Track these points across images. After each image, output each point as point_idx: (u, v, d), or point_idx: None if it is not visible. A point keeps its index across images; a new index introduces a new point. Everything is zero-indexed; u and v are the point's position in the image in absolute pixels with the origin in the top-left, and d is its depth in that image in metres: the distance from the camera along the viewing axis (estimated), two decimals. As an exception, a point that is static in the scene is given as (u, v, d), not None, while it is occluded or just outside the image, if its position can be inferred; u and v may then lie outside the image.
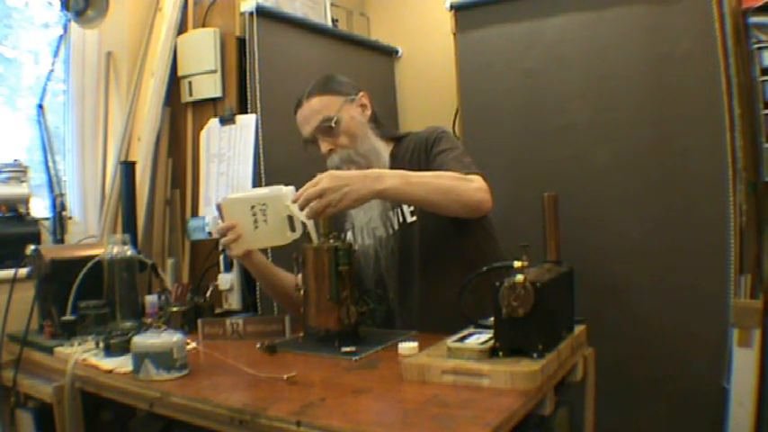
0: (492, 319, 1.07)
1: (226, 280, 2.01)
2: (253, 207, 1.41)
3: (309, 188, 1.28)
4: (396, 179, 1.31)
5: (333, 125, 1.50)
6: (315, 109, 1.52)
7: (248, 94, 2.07)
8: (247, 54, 2.09)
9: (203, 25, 2.22)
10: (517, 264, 1.07)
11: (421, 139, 1.56)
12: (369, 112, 1.58)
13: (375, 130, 1.58)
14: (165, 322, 1.48)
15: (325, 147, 1.52)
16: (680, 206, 1.97)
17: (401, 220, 1.54)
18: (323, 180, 1.27)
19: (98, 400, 1.31)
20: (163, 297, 1.70)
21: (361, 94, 1.58)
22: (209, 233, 1.90)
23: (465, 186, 1.36)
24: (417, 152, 1.54)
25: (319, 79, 1.58)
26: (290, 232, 1.40)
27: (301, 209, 1.30)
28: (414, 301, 1.53)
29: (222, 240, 1.47)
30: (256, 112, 2.06)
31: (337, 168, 1.45)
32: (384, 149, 1.57)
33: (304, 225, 1.37)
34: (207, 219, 1.94)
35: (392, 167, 1.54)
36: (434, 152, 1.50)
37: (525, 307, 1.01)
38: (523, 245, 1.11)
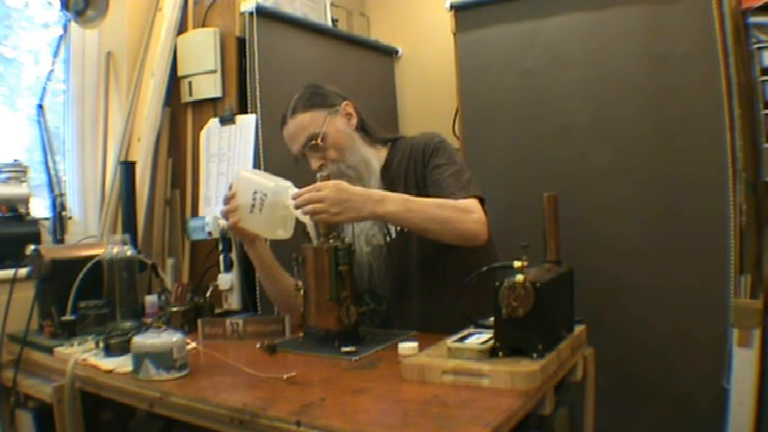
0: (492, 319, 1.07)
1: (226, 280, 2.00)
2: (255, 192, 1.41)
3: (312, 192, 1.28)
4: (397, 205, 1.32)
5: (320, 142, 1.49)
6: (300, 126, 1.51)
7: (248, 94, 2.08)
8: (247, 54, 2.09)
9: (203, 25, 2.22)
10: (517, 264, 1.07)
11: (417, 146, 1.54)
12: (355, 121, 1.57)
13: (364, 137, 1.57)
14: (165, 322, 1.48)
15: (314, 163, 1.51)
16: (680, 206, 1.96)
17: (398, 227, 1.53)
18: (327, 189, 1.27)
19: (98, 400, 1.32)
20: (163, 297, 1.70)
21: (345, 103, 1.56)
22: (209, 233, 1.90)
23: (463, 218, 1.35)
24: (413, 160, 1.53)
25: (302, 93, 1.56)
26: (280, 230, 1.40)
27: (298, 207, 1.30)
28: (411, 309, 1.52)
29: (222, 207, 1.47)
30: (256, 112, 2.06)
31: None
32: (374, 157, 1.56)
33: (304, 225, 1.37)
34: (207, 219, 1.94)
35: (385, 175, 1.54)
36: (431, 165, 1.49)
37: (525, 307, 1.01)
38: (523, 245, 1.11)
